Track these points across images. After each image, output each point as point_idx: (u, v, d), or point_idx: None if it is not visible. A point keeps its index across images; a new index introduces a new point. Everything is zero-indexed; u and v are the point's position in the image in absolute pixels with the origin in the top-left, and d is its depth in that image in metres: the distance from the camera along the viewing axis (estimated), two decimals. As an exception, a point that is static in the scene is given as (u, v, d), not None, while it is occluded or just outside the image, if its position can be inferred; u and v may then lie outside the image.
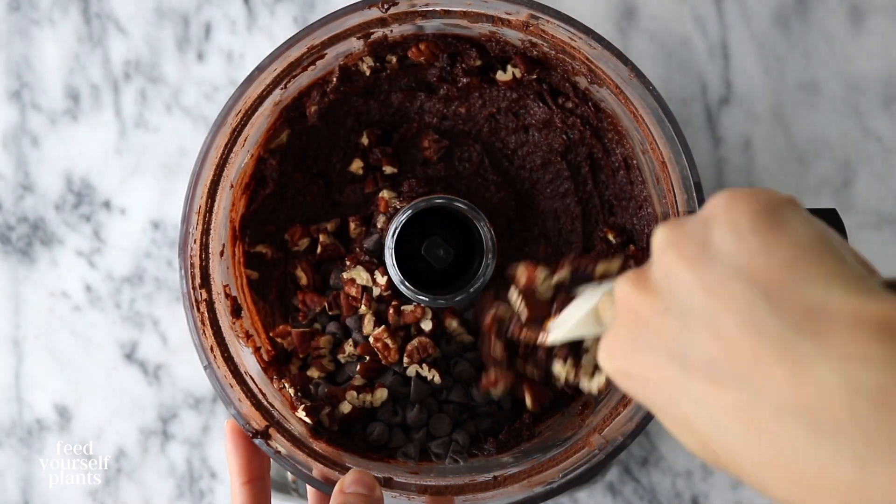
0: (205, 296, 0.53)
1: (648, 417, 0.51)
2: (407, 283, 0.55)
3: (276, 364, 0.58)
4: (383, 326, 0.57)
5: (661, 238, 0.35)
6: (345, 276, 0.58)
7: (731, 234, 0.32)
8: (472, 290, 0.56)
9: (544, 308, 0.46)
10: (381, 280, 0.57)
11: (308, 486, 0.53)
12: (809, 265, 0.30)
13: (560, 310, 0.45)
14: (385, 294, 0.57)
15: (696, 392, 0.32)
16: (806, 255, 0.31)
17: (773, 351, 0.29)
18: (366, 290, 0.57)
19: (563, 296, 0.46)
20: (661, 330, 0.34)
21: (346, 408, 0.56)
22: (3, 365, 0.67)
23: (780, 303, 0.30)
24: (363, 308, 0.57)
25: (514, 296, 0.47)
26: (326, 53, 0.55)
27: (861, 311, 0.29)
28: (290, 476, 0.60)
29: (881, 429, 0.27)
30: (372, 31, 0.55)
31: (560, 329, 0.44)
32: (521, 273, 0.47)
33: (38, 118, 0.67)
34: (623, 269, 0.45)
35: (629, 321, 0.36)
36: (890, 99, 0.66)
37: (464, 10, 0.54)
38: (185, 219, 0.53)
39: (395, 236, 0.56)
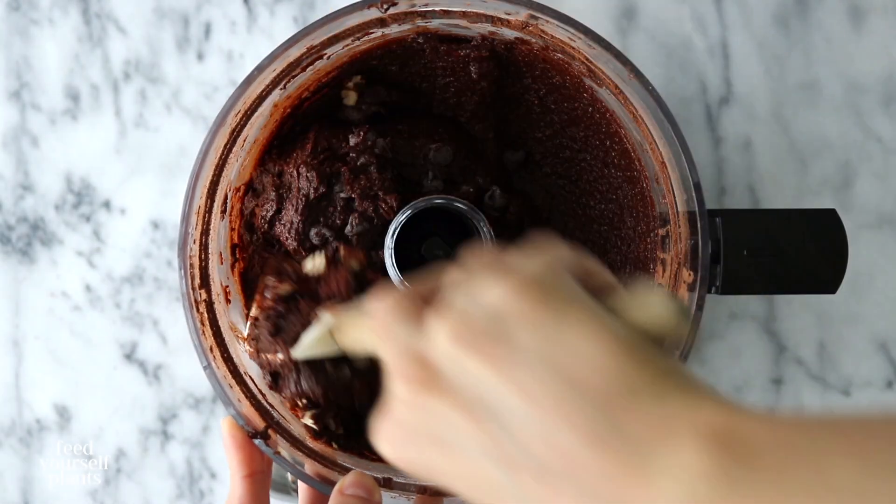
0: (204, 296, 0.53)
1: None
2: (406, 284, 0.55)
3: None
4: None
5: (444, 332, 0.32)
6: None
7: (540, 338, 0.31)
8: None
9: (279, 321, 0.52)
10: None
11: (300, 485, 0.53)
12: (627, 368, 0.30)
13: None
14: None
15: (528, 493, 0.31)
16: (627, 359, 0.30)
17: (613, 461, 0.29)
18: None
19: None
20: (470, 430, 0.32)
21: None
22: (3, 365, 0.67)
23: (612, 413, 0.29)
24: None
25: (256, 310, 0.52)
26: (326, 53, 0.55)
27: (698, 422, 0.29)
28: (289, 476, 0.60)
29: None
30: (371, 30, 0.55)
31: (301, 349, 0.48)
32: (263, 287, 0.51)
33: (37, 118, 0.67)
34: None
35: (416, 412, 0.33)
36: (890, 99, 0.66)
37: (463, 10, 0.54)
38: (185, 219, 0.53)
39: (395, 236, 0.56)
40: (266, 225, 0.58)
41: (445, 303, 0.33)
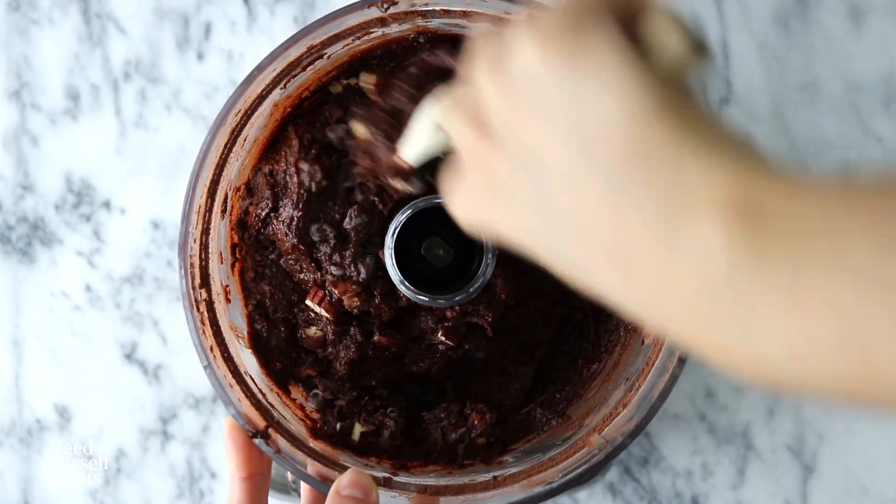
0: (204, 296, 0.53)
1: (648, 417, 0.52)
2: (406, 283, 0.55)
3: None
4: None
5: (493, 88, 0.34)
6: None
7: (555, 93, 0.31)
8: (471, 290, 0.56)
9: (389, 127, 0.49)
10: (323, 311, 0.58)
11: (302, 484, 0.53)
12: (655, 128, 0.30)
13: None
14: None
15: (563, 248, 0.33)
16: (646, 119, 0.30)
17: (644, 230, 0.30)
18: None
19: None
20: (514, 184, 0.33)
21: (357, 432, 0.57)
22: (3, 365, 0.67)
23: (634, 180, 0.30)
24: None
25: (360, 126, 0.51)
26: (326, 53, 0.55)
27: (712, 188, 0.29)
28: (289, 476, 0.60)
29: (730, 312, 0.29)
30: (371, 30, 0.55)
31: (410, 147, 0.46)
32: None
33: (37, 118, 0.67)
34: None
35: (476, 171, 0.35)
36: (890, 99, 0.66)
37: (463, 9, 0.54)
38: (185, 218, 0.53)
39: (395, 236, 0.56)
40: (260, 223, 0.58)
41: (492, 59, 0.34)
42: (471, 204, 0.37)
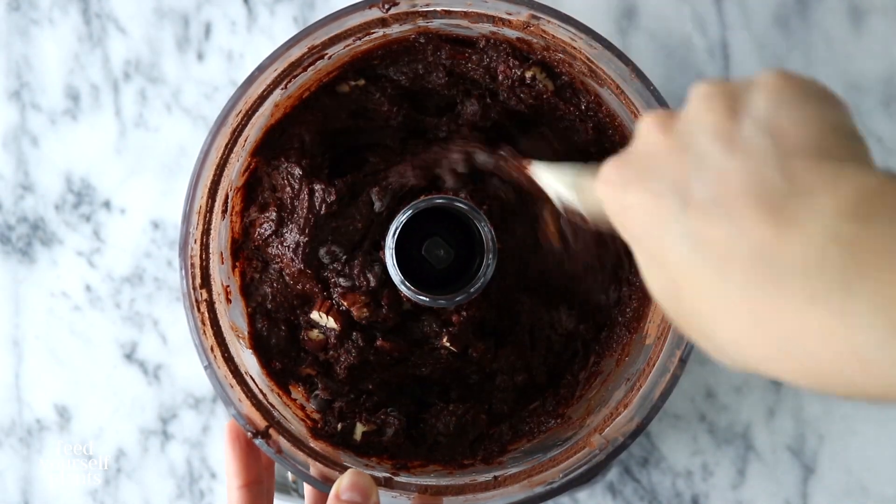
0: (205, 296, 0.53)
1: (649, 418, 0.52)
2: (407, 283, 0.55)
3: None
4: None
5: (700, 90, 0.36)
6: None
7: (772, 101, 0.34)
8: (472, 290, 0.56)
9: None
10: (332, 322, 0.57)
11: (305, 485, 0.53)
12: (830, 143, 0.33)
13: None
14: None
15: (688, 225, 0.34)
16: (829, 135, 0.33)
17: (768, 201, 0.31)
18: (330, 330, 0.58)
19: None
20: (672, 165, 0.35)
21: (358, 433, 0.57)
22: (3, 365, 0.67)
23: (790, 165, 0.32)
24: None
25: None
26: (327, 53, 0.55)
27: (855, 181, 0.31)
28: (290, 476, 0.60)
29: (843, 271, 0.30)
30: (372, 30, 0.55)
31: (547, 175, 0.49)
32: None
33: (37, 118, 0.67)
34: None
35: (641, 153, 0.37)
36: (890, 99, 0.66)
37: (464, 10, 0.54)
38: (186, 218, 0.53)
39: (396, 236, 0.56)
40: (262, 242, 0.58)
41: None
42: (615, 177, 0.38)
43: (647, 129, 0.38)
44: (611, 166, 0.39)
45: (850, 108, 0.35)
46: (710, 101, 0.35)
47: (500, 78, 0.58)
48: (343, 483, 0.48)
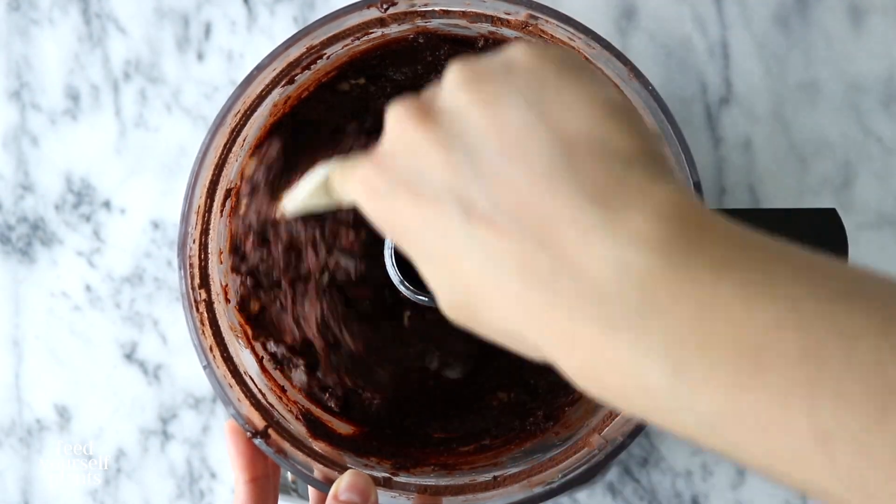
0: (204, 296, 0.53)
1: (648, 418, 0.51)
2: (406, 283, 0.55)
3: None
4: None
5: (455, 74, 0.33)
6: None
7: (537, 84, 0.31)
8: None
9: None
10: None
11: (310, 487, 0.53)
12: (609, 132, 0.30)
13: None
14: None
15: (478, 234, 0.31)
16: (606, 122, 0.30)
17: (563, 213, 0.29)
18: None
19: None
20: (440, 165, 0.32)
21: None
22: (3, 365, 0.67)
23: (577, 167, 0.29)
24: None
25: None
26: (326, 53, 0.55)
27: (655, 194, 0.29)
28: (290, 476, 0.60)
29: (636, 304, 0.28)
30: (371, 30, 0.55)
31: (293, 201, 0.44)
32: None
33: (37, 118, 0.67)
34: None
35: (399, 150, 0.33)
36: (890, 99, 0.66)
37: (463, 9, 0.54)
38: (184, 218, 0.53)
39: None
40: (270, 313, 0.57)
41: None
42: (373, 183, 0.34)
43: (399, 121, 0.33)
44: (366, 168, 0.35)
45: (598, 71, 0.33)
46: (468, 88, 0.32)
47: None
48: (342, 484, 0.48)
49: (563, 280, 0.29)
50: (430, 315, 0.56)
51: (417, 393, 0.59)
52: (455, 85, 0.32)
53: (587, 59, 0.54)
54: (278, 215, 0.49)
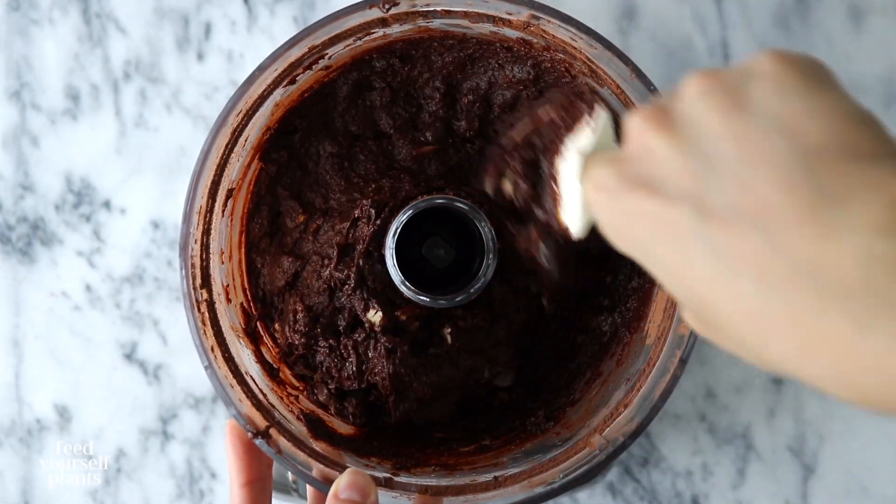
0: (205, 296, 0.53)
1: (650, 418, 0.51)
2: (408, 284, 0.55)
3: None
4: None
5: (694, 84, 0.34)
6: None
7: (775, 92, 0.32)
8: (472, 290, 0.56)
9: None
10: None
11: (308, 486, 0.53)
12: (853, 137, 0.30)
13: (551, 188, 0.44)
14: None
15: (711, 236, 0.31)
16: (850, 127, 0.31)
17: (802, 212, 0.29)
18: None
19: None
20: (678, 170, 0.33)
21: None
22: (3, 365, 0.67)
23: (818, 167, 0.30)
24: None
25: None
26: (328, 53, 0.55)
27: (889, 189, 0.29)
28: (290, 476, 0.60)
29: (888, 295, 0.27)
30: (373, 30, 0.55)
31: (574, 220, 0.43)
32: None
33: (37, 118, 0.67)
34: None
35: (638, 154, 0.35)
36: (890, 99, 0.66)
37: (465, 10, 0.54)
38: (186, 219, 0.53)
39: (396, 236, 0.56)
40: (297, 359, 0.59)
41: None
42: (613, 184, 0.36)
43: (640, 128, 0.35)
44: (603, 169, 0.36)
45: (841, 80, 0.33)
46: (708, 98, 0.33)
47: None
48: (341, 482, 0.48)
49: (803, 279, 0.29)
50: (463, 323, 0.57)
51: (472, 410, 0.60)
52: (694, 93, 0.33)
53: (590, 59, 0.54)
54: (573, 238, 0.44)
